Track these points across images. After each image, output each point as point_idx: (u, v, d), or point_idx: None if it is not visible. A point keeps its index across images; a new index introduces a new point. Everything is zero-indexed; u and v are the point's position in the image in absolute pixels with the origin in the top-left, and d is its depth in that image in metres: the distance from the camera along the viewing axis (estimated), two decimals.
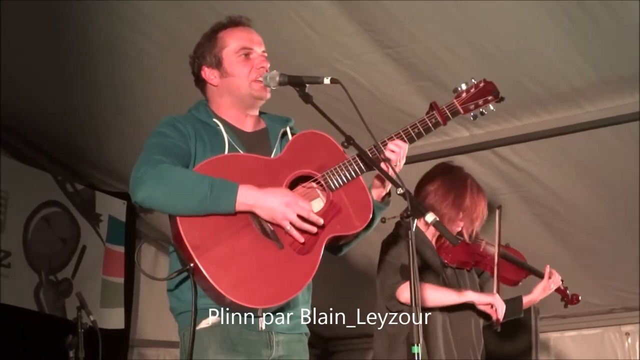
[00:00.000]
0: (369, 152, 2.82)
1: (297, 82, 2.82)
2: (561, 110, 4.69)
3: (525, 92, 4.55)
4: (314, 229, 2.70)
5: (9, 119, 5.35)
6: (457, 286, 3.93)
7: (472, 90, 3.03)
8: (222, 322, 2.69)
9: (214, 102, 2.97)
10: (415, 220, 2.46)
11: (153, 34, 4.46)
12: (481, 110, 3.05)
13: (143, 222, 6.55)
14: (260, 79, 2.89)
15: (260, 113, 3.05)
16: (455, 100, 3.01)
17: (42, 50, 4.71)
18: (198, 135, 2.83)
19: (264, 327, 2.74)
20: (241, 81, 2.91)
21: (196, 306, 2.64)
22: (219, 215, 2.63)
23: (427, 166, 4.80)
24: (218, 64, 2.93)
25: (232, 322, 2.69)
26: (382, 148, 2.85)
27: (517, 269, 4.19)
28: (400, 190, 2.49)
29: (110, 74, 4.87)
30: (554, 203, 5.30)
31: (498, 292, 3.90)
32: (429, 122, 2.95)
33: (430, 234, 3.98)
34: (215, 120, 2.90)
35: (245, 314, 2.69)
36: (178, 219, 2.61)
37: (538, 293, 4.14)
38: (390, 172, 2.69)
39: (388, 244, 3.83)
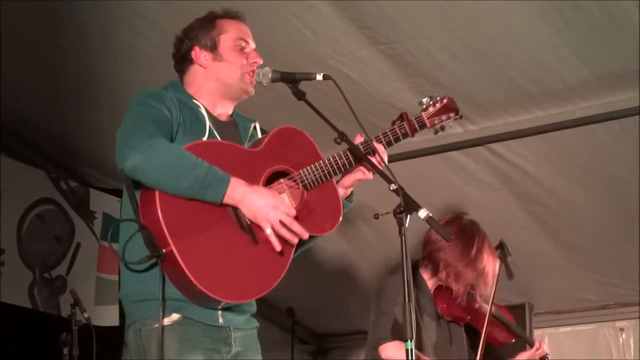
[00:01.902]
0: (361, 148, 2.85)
1: (289, 79, 2.82)
2: (554, 106, 4.70)
3: (518, 89, 4.57)
4: (294, 239, 2.69)
5: (3, 116, 5.33)
6: (448, 340, 3.92)
7: (438, 105, 3.07)
8: (183, 317, 2.64)
9: (195, 84, 2.93)
10: (409, 216, 2.47)
11: (149, 33, 4.45)
12: (442, 125, 3.10)
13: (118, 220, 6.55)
14: (253, 73, 2.89)
15: None
16: (423, 114, 3.06)
17: (37, 47, 4.69)
18: (181, 115, 2.80)
19: (222, 322, 2.72)
20: (234, 69, 2.90)
21: (164, 296, 2.58)
22: (199, 202, 2.60)
23: (421, 163, 4.82)
24: (213, 47, 2.91)
25: (194, 318, 2.66)
26: (370, 147, 2.87)
27: (508, 332, 4.23)
28: (393, 186, 2.51)
29: (106, 72, 4.87)
30: (547, 199, 5.32)
31: (482, 353, 3.94)
32: (398, 131, 2.99)
33: (430, 282, 3.97)
34: (195, 101, 2.87)
35: (207, 309, 2.67)
36: (158, 200, 2.55)
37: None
38: (380, 167, 2.72)
39: (389, 281, 3.82)
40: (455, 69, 4.40)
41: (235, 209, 2.65)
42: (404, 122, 3.00)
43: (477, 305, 4.01)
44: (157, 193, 2.55)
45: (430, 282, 3.93)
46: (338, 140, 2.73)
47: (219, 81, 2.92)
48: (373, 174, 2.83)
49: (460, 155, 5.14)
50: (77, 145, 5.83)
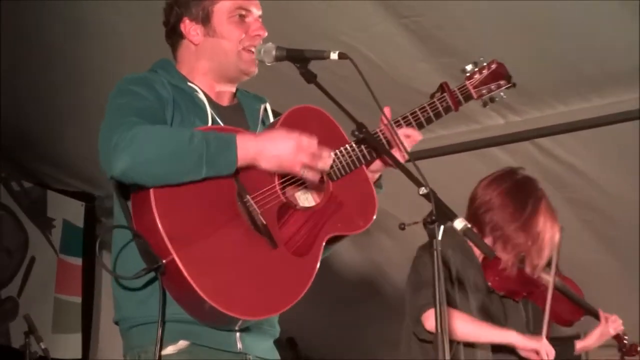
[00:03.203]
0: (379, 141, 2.86)
1: (298, 58, 2.80)
2: (616, 93, 4.70)
3: (574, 72, 4.57)
4: (327, 164, 2.73)
5: None
6: (502, 319, 3.88)
7: (485, 71, 3.08)
8: (192, 344, 2.62)
9: (187, 63, 2.93)
10: (442, 227, 2.47)
11: (124, 6, 4.50)
12: (492, 96, 3.10)
13: (105, 227, 6.56)
14: (253, 49, 2.88)
15: None
16: (467, 83, 3.06)
17: None
18: (175, 101, 2.80)
19: (241, 348, 2.69)
20: (230, 46, 2.89)
21: (164, 317, 2.57)
22: (202, 200, 2.59)
23: (454, 161, 4.83)
24: (205, 19, 2.90)
25: (206, 344, 2.64)
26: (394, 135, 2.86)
27: (574, 307, 4.16)
28: (423, 190, 2.50)
29: (71, 52, 4.89)
30: (607, 206, 5.32)
31: (548, 333, 3.83)
32: (439, 105, 2.99)
33: (479, 250, 3.90)
34: (191, 85, 2.88)
35: (221, 331, 2.66)
36: (153, 199, 2.54)
37: (594, 339, 4.13)
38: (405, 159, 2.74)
39: (424, 249, 3.80)
40: (494, 47, 4.38)
41: (246, 206, 2.65)
42: (445, 94, 3.00)
43: (536, 277, 3.97)
44: (151, 191, 2.55)
45: (477, 250, 3.87)
46: (356, 132, 2.72)
47: (213, 61, 2.91)
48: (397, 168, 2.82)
49: (500, 152, 5.15)
50: (32, 138, 5.84)
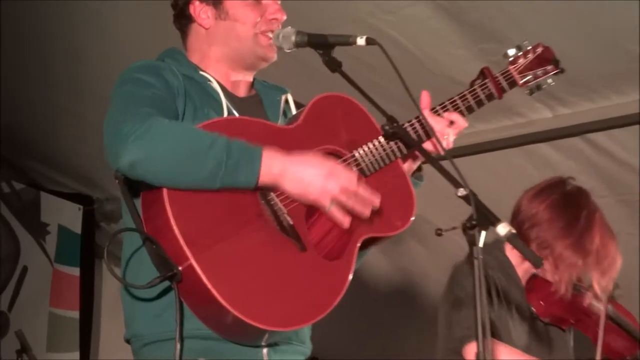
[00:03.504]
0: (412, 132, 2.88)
1: (320, 44, 2.83)
2: None
3: (631, 57, 4.54)
4: (366, 210, 2.70)
5: None
6: (548, 351, 3.83)
7: (529, 55, 3.09)
8: None
9: (198, 50, 2.97)
10: (483, 233, 2.47)
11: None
12: (539, 83, 3.11)
13: (105, 234, 6.60)
14: (270, 34, 2.91)
15: None
16: (510, 68, 3.07)
17: None
18: (187, 91, 2.83)
19: None
20: (245, 30, 2.91)
21: (182, 333, 2.57)
22: (220, 198, 2.60)
23: (495, 158, 4.81)
24: (216, 0, 2.94)
25: None
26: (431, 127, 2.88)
27: (629, 341, 4.05)
28: (462, 191, 2.51)
29: (62, 39, 4.93)
30: None
31: None
32: (481, 93, 3.01)
33: (523, 270, 3.86)
34: (203, 74, 2.90)
35: (247, 347, 2.66)
36: (167, 199, 2.54)
37: None
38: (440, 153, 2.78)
39: (460, 269, 3.76)
40: (542, 31, 4.37)
41: (271, 204, 2.66)
42: (487, 80, 3.01)
43: (586, 303, 3.93)
44: (164, 191, 2.54)
45: (520, 270, 3.79)
46: (387, 127, 2.74)
47: (226, 46, 2.94)
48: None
49: (548, 149, 5.13)
50: (23, 133, 5.88)
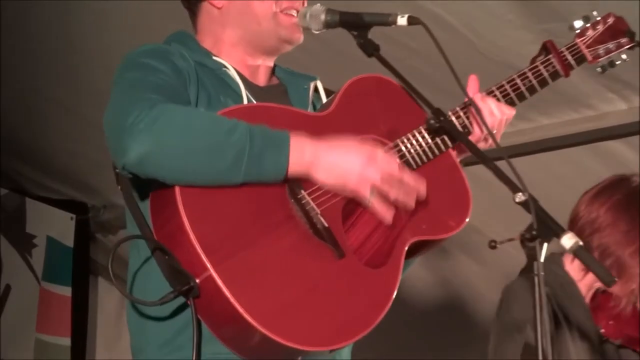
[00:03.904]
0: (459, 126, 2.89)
1: (354, 24, 2.83)
2: None
3: None
4: (412, 201, 2.71)
5: None
6: None
7: (599, 27, 3.08)
8: None
9: (210, 34, 2.99)
10: (545, 245, 2.47)
11: None
12: (611, 59, 3.10)
13: (102, 247, 6.64)
14: (294, 13, 2.92)
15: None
16: (578, 41, 3.07)
17: None
18: (200, 78, 2.84)
19: None
20: (263, 8, 2.93)
21: (199, 357, 2.55)
22: (242, 197, 2.60)
23: (560, 159, 4.81)
24: None
25: None
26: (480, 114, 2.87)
27: None
28: (520, 196, 2.50)
29: (55, 24, 4.98)
30: None
31: None
32: (544, 71, 3.00)
33: (586, 285, 3.85)
34: (217, 59, 2.92)
35: None
36: (180, 200, 2.54)
37: None
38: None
39: (513, 290, 3.75)
40: (617, 6, 4.35)
41: (302, 205, 2.66)
42: (551, 55, 3.01)
43: None
44: (177, 190, 2.56)
45: (583, 285, 3.79)
46: (432, 120, 2.74)
47: (243, 29, 2.95)
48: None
49: (622, 147, 5.11)
50: (7, 131, 5.91)
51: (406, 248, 2.76)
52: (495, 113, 2.91)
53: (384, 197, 2.67)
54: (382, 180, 2.64)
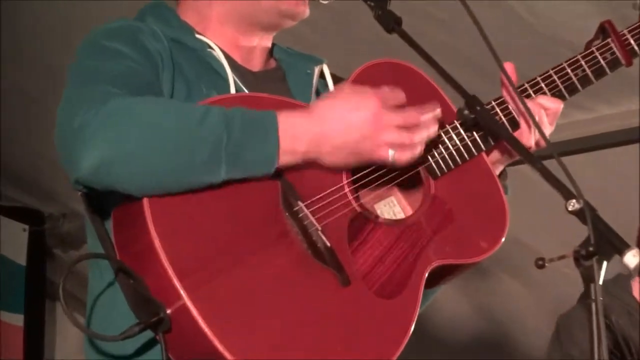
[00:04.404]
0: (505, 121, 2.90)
1: None
2: None
3: None
4: (435, 126, 2.71)
5: None
6: None
7: None
8: None
9: (196, 9, 3.00)
10: (605, 263, 2.46)
11: None
12: None
13: (62, 265, 6.64)
14: None
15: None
16: None
17: None
18: (176, 62, 2.84)
19: None
20: None
21: None
22: (225, 208, 2.58)
23: (623, 158, 4.84)
24: None
25: None
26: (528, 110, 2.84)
27: None
28: (574, 204, 2.49)
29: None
30: None
31: None
32: (600, 58, 3.02)
33: None
34: (200, 38, 2.93)
35: None
36: (149, 215, 2.51)
37: None
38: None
39: (570, 319, 3.74)
40: None
41: (298, 218, 2.65)
42: (610, 39, 3.03)
43: None
44: (145, 201, 2.54)
45: None
46: (466, 112, 2.74)
47: (233, 1, 2.96)
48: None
49: None
50: None
51: (426, 274, 2.74)
52: (535, 111, 2.92)
53: (406, 148, 2.67)
54: (400, 135, 2.65)
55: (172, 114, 2.56)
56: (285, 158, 2.58)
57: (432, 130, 2.70)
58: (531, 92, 2.97)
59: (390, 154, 2.64)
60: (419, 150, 2.68)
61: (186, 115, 2.54)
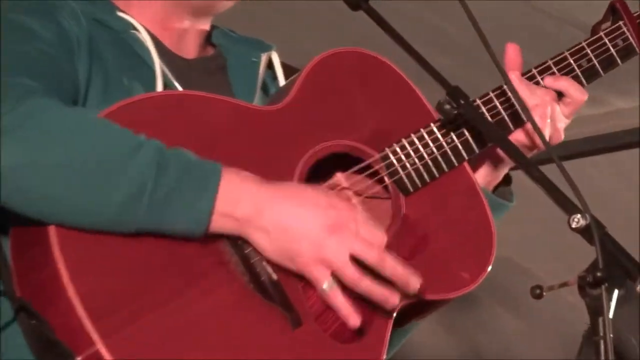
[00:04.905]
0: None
1: None
2: None
3: None
4: (393, 299, 2.65)
5: None
6: None
7: None
8: None
9: None
10: (616, 292, 2.46)
11: None
12: None
13: None
14: None
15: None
16: None
17: None
18: (95, 47, 2.84)
19: None
20: None
21: None
22: (152, 237, 2.55)
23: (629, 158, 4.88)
24: None
25: None
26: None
27: None
28: (579, 220, 2.49)
29: None
30: None
31: None
32: (609, 44, 3.06)
33: None
34: (123, 17, 2.94)
35: None
36: (56, 244, 2.48)
37: None
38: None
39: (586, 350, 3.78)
40: None
41: (239, 245, 2.64)
42: (622, 22, 3.05)
43: None
44: (52, 230, 2.51)
45: None
46: (447, 106, 2.73)
47: None
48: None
49: None
50: None
51: (395, 314, 2.73)
52: (546, 102, 2.92)
53: (351, 288, 2.63)
54: (350, 267, 2.60)
55: (98, 136, 2.54)
56: (218, 223, 2.58)
57: (392, 300, 2.66)
58: (539, 80, 2.99)
59: (328, 284, 2.61)
60: (356, 317, 2.63)
61: (115, 143, 2.54)
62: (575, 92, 2.97)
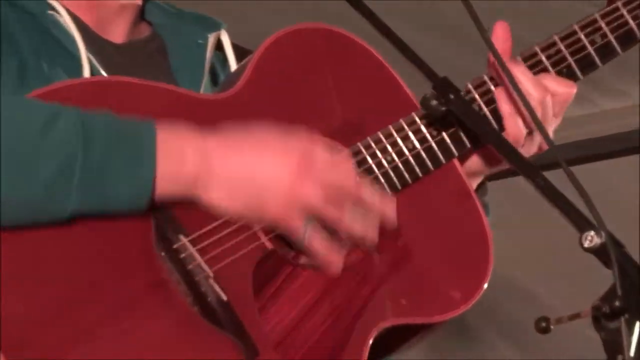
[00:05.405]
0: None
1: None
2: None
3: None
4: (374, 233, 2.69)
5: None
6: None
7: None
8: None
9: None
10: (638, 325, 2.46)
11: None
12: None
13: None
14: None
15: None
16: None
17: None
18: (11, 33, 2.87)
19: None
20: None
21: None
22: (76, 245, 2.57)
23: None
24: None
25: None
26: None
27: None
28: (592, 238, 2.48)
29: None
30: None
31: None
32: (628, 17, 3.07)
33: None
34: None
35: None
36: None
37: None
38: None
39: None
40: None
41: (181, 259, 2.65)
42: (620, 3, 3.05)
43: None
44: None
45: None
46: (433, 101, 2.73)
47: None
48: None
49: None
50: None
51: (371, 341, 2.72)
52: (531, 92, 2.91)
53: (330, 229, 2.67)
54: (327, 199, 2.63)
55: (7, 113, 2.52)
56: (163, 189, 2.58)
57: (372, 234, 2.71)
58: (543, 58, 3.00)
59: (304, 224, 2.63)
60: (340, 255, 2.69)
61: (27, 117, 2.54)
62: (562, 88, 2.98)
